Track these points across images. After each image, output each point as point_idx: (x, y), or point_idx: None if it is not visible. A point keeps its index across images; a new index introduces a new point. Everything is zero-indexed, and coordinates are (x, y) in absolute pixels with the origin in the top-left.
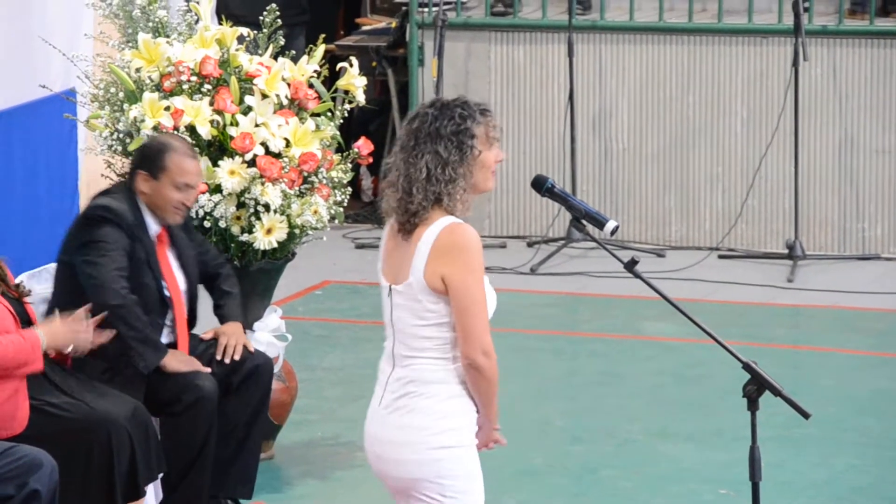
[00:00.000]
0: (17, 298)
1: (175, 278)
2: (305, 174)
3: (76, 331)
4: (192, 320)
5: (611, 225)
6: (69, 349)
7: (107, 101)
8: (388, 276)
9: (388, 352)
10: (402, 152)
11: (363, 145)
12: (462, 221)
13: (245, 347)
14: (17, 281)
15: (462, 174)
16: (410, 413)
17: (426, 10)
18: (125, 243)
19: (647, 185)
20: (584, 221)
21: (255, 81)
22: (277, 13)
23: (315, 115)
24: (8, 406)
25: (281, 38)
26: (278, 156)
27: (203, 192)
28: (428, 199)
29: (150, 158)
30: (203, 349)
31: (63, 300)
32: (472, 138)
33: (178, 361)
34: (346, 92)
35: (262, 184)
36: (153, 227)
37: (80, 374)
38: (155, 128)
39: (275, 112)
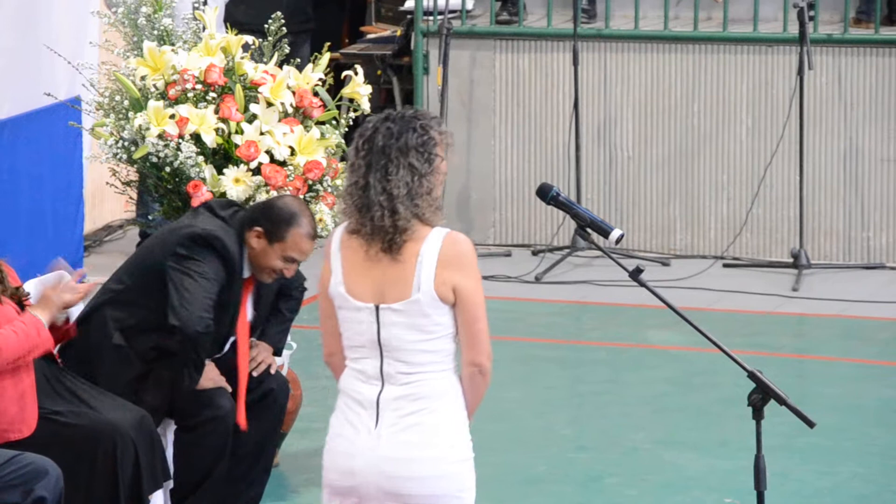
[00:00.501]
0: (17, 302)
1: (245, 316)
2: (310, 182)
3: (61, 293)
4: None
5: (616, 233)
6: (65, 317)
7: (112, 109)
8: (365, 296)
9: (371, 373)
10: (372, 170)
11: None
12: (452, 230)
13: (268, 368)
14: (20, 286)
15: (434, 184)
16: (431, 429)
17: (431, 18)
18: (223, 280)
19: (651, 194)
20: (589, 230)
21: (260, 89)
22: (282, 21)
23: (320, 123)
24: (17, 408)
25: (286, 46)
26: (283, 164)
27: (208, 201)
28: (412, 214)
29: (273, 222)
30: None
31: (133, 295)
32: (436, 147)
33: (208, 378)
34: (351, 100)
35: (267, 192)
36: (246, 272)
37: (85, 382)
38: (160, 135)
39: (280, 120)
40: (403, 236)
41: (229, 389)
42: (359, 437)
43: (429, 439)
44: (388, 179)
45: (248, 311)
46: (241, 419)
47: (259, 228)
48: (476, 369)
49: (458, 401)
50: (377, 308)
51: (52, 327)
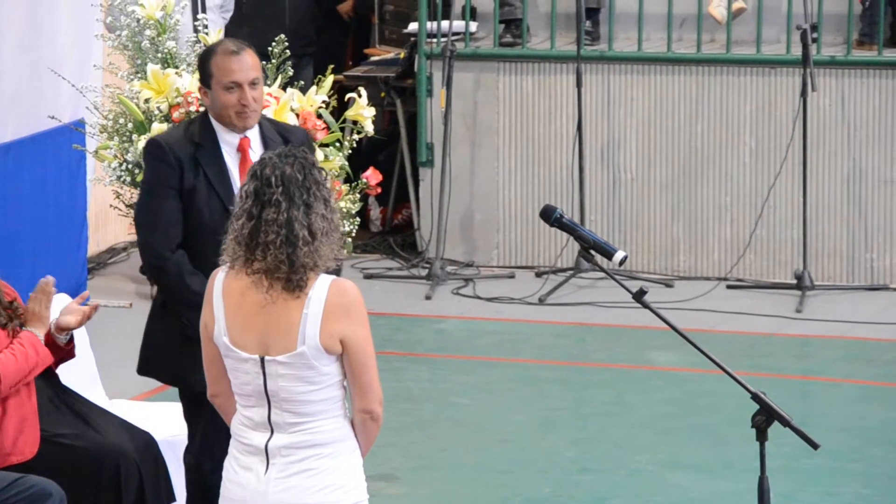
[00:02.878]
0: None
1: None
2: None
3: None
4: None
5: (619, 255)
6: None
7: (116, 132)
8: (250, 347)
9: (259, 420)
10: (294, 205)
11: (372, 175)
12: (337, 277)
13: None
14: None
15: (335, 225)
16: (321, 474)
17: (435, 40)
18: (170, 177)
19: (655, 216)
20: (593, 252)
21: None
22: (286, 44)
23: (324, 145)
24: (19, 431)
25: (289, 68)
26: None
27: None
28: (329, 250)
29: (200, 68)
30: None
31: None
32: (327, 180)
33: None
34: (355, 122)
35: None
36: (230, 140)
37: (89, 401)
38: None
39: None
40: (303, 278)
41: None
42: (249, 484)
43: (320, 484)
44: (309, 214)
45: None
46: None
47: (199, 86)
48: (367, 416)
49: (349, 445)
50: (262, 360)
51: (54, 347)
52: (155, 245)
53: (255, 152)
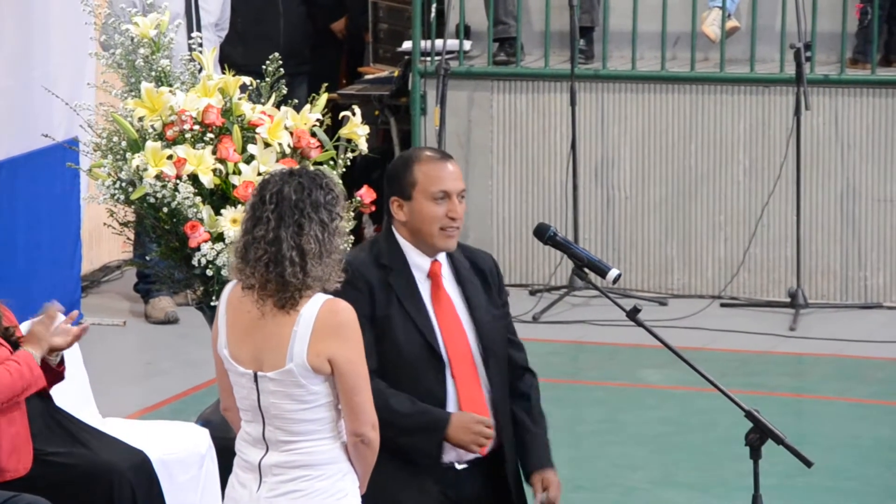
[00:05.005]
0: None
1: (459, 324)
2: None
3: (52, 335)
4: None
5: (613, 273)
6: (59, 359)
7: (109, 150)
8: (246, 361)
9: (256, 436)
10: (284, 224)
11: (366, 194)
12: (333, 297)
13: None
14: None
15: (339, 244)
16: (308, 496)
17: (429, 59)
18: (364, 306)
19: (649, 234)
20: (587, 270)
21: (257, 130)
22: (280, 62)
23: (318, 163)
24: (11, 448)
25: (283, 86)
26: None
27: (205, 241)
28: (319, 273)
29: (395, 178)
30: None
31: None
32: (339, 206)
33: (460, 429)
34: (349, 141)
35: None
36: (421, 264)
37: (82, 421)
38: (157, 176)
39: (277, 161)
40: (305, 293)
41: (490, 435)
42: (242, 500)
43: None
44: (300, 235)
45: (465, 324)
46: None
47: (392, 198)
48: (358, 439)
49: (341, 468)
50: (256, 375)
51: (45, 367)
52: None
53: (446, 280)
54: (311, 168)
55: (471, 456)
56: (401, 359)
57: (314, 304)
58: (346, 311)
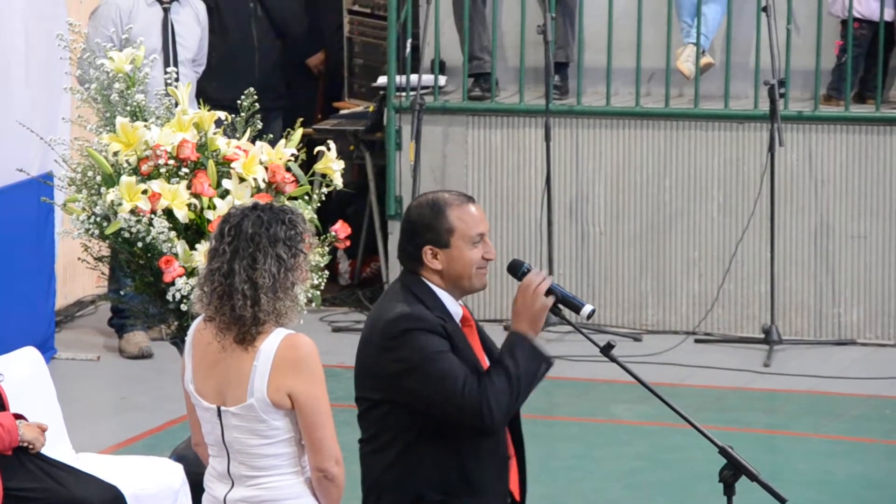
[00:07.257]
0: None
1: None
2: None
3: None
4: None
5: (587, 309)
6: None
7: (84, 185)
8: (210, 396)
9: (221, 471)
10: (238, 257)
11: (340, 229)
12: (294, 332)
13: None
14: None
15: (297, 280)
16: None
17: (404, 94)
18: (443, 344)
19: (623, 270)
20: (561, 305)
21: (232, 165)
22: (255, 97)
23: (293, 198)
24: None
25: (259, 121)
26: None
27: (180, 276)
28: (273, 308)
29: (428, 227)
30: None
31: (380, 446)
32: (302, 242)
33: (525, 308)
34: (324, 175)
35: None
36: (455, 311)
37: (54, 459)
38: (132, 211)
39: (252, 195)
40: (260, 328)
41: None
42: None
43: None
44: (254, 268)
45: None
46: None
47: (426, 247)
48: (321, 475)
49: (309, 502)
50: (219, 410)
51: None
52: (474, 398)
53: (471, 328)
54: (284, 203)
55: None
56: None
57: (274, 339)
58: (307, 346)
